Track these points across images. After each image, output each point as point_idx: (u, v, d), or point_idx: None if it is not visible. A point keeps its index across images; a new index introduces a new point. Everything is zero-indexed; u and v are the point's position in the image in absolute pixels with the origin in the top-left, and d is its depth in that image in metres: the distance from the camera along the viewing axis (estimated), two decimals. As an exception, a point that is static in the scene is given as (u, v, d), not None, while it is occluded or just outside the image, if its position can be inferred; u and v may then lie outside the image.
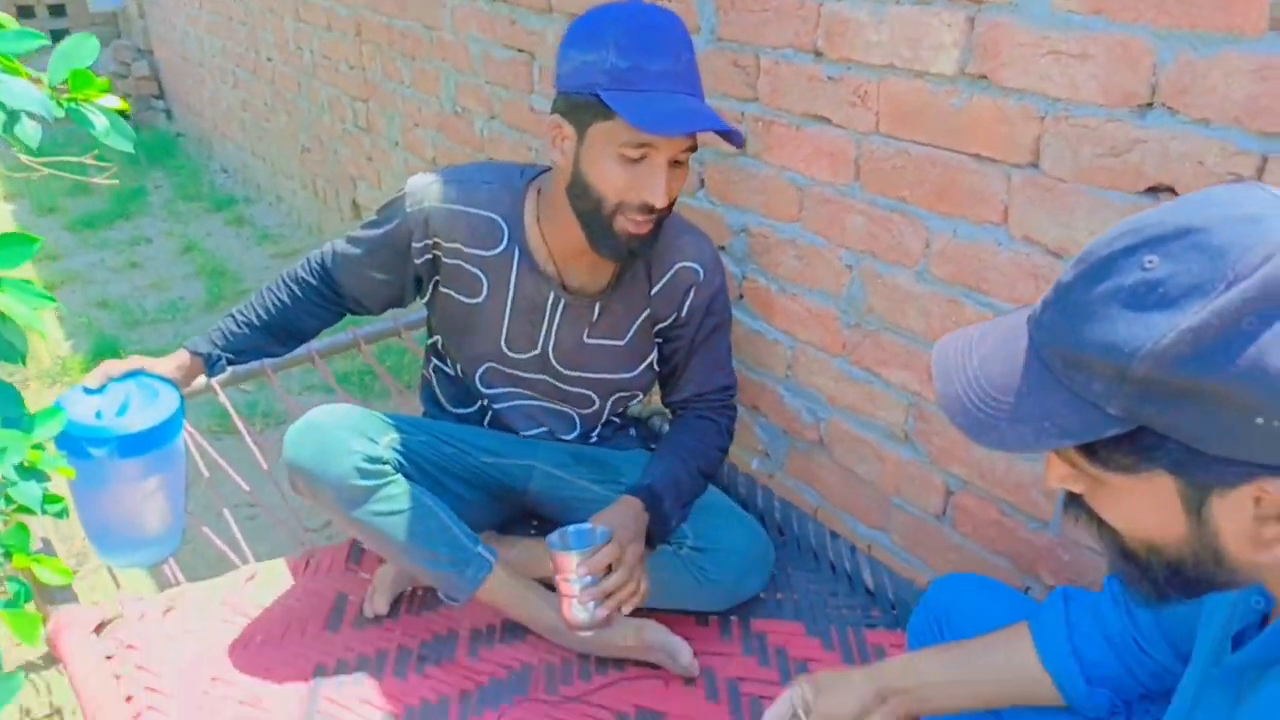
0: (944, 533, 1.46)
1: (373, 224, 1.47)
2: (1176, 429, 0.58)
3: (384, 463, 1.37)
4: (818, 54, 1.42)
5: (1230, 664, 0.72)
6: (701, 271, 1.45)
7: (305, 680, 1.32)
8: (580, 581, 1.26)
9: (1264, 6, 0.92)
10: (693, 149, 1.28)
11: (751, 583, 1.46)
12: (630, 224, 1.29)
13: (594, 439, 1.60)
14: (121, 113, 0.89)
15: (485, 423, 1.58)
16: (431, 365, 1.61)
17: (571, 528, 1.32)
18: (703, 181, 1.74)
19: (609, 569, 1.28)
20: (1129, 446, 0.60)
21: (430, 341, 1.60)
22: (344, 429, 1.36)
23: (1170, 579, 0.66)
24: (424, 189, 1.41)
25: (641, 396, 1.58)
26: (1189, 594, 0.67)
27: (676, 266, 1.44)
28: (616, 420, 1.62)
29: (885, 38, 1.31)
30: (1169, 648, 0.93)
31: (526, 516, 1.64)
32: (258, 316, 1.50)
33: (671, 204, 1.31)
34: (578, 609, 1.27)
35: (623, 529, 1.32)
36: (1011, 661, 0.98)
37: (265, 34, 3.79)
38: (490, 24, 2.22)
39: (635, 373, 1.51)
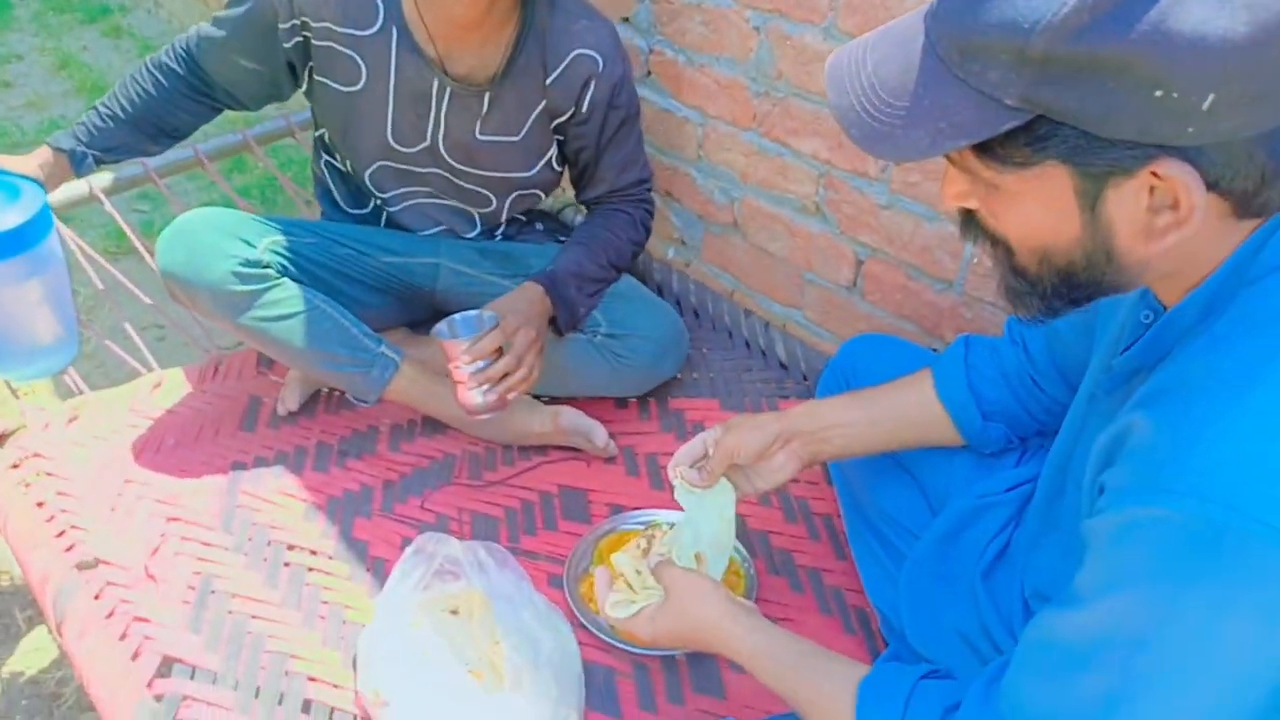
0: (854, 303, 1.48)
1: (235, 2, 1.33)
2: (1073, 113, 0.56)
3: (264, 266, 1.31)
4: None
5: (1117, 367, 0.73)
6: (601, 61, 1.34)
7: (223, 475, 1.32)
8: (469, 368, 1.26)
9: None
10: None
11: (666, 366, 1.46)
12: None
13: (498, 237, 1.55)
14: None
15: (382, 224, 1.51)
16: (322, 161, 1.52)
17: (459, 315, 1.31)
18: (603, -52, 1.62)
19: (499, 354, 1.27)
20: (1025, 139, 0.59)
21: (317, 134, 1.50)
22: (216, 231, 1.29)
23: (1059, 288, 0.66)
24: None
25: (543, 197, 1.52)
26: (1076, 301, 0.67)
27: (573, 54, 1.33)
28: (521, 218, 1.57)
29: None
30: (1062, 382, 0.96)
31: (438, 315, 1.61)
32: (123, 109, 1.38)
33: None
34: (469, 394, 1.27)
35: (512, 314, 1.30)
36: (912, 402, 1.01)
37: None
38: None
39: (533, 171, 1.44)
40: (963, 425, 0.99)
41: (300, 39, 1.31)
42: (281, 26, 1.29)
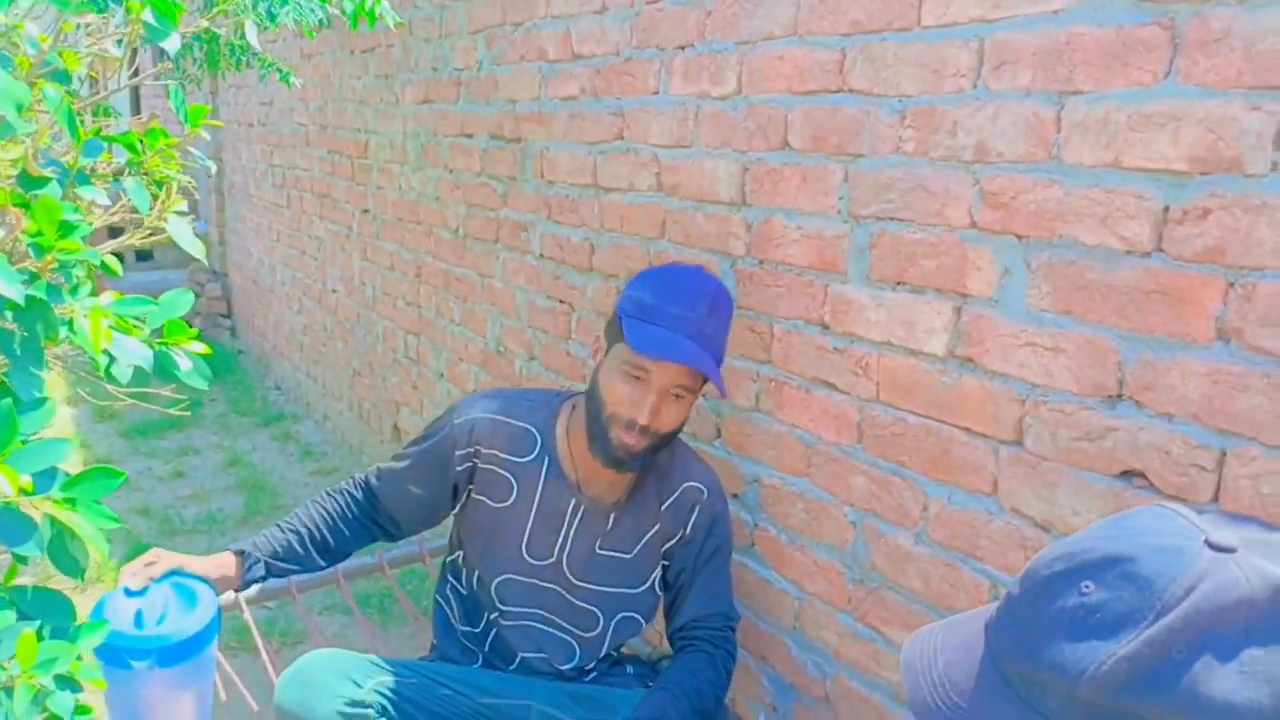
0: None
1: (419, 440, 1.62)
2: None
3: (365, 705, 1.43)
4: (825, 327, 1.57)
5: None
6: (706, 491, 1.59)
7: None
8: None
9: (1210, 318, 1.04)
10: (691, 390, 1.44)
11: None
12: (624, 434, 1.44)
13: (591, 674, 1.62)
14: (203, 355, 1.01)
15: (488, 643, 1.62)
16: (448, 586, 1.67)
17: None
18: (719, 431, 1.85)
19: None
20: None
21: (450, 558, 1.68)
22: (328, 672, 1.44)
23: None
24: (471, 403, 1.60)
25: (644, 626, 1.62)
26: None
27: (684, 486, 1.59)
28: (616, 655, 1.65)
29: (884, 318, 1.45)
30: None
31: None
32: (302, 525, 1.61)
33: (671, 433, 1.47)
34: None
35: None
36: None
37: (334, 269, 4.13)
38: (537, 276, 2.44)
39: (640, 589, 1.59)
40: None
41: (470, 465, 1.56)
42: (459, 453, 1.55)
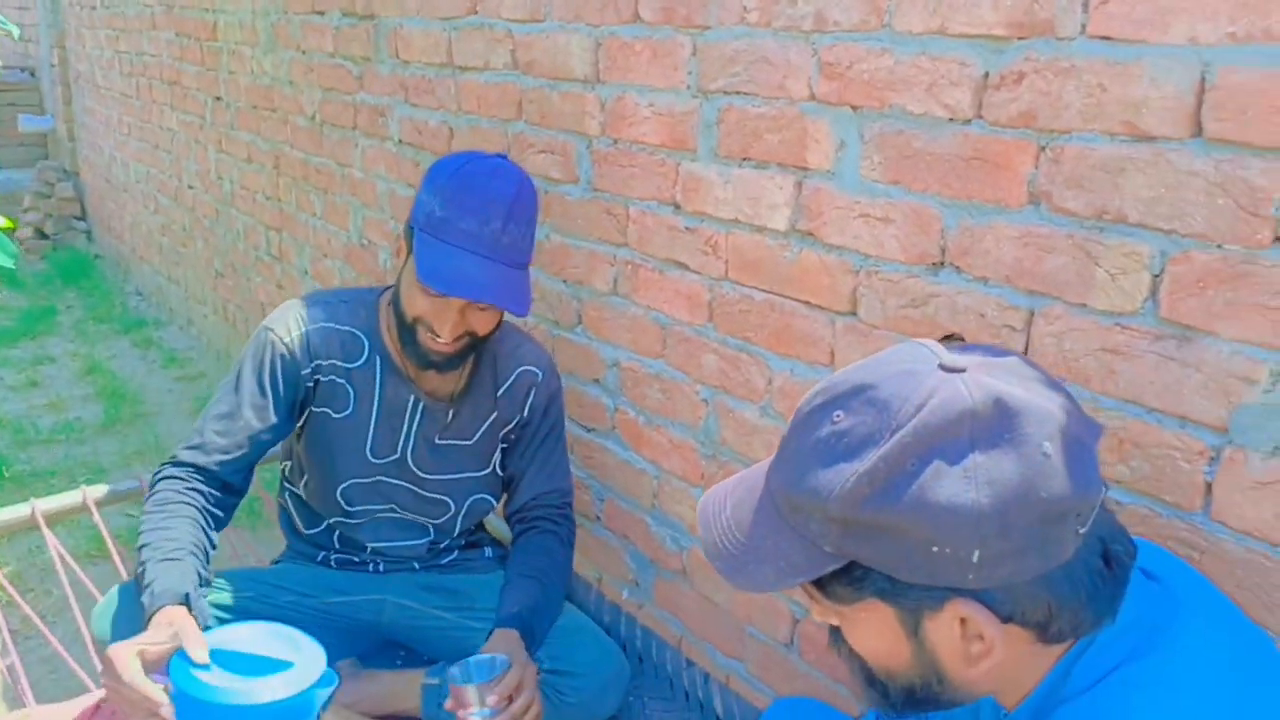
0: (791, 661, 1.51)
1: (243, 377, 1.44)
2: (876, 560, 0.67)
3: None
4: (677, 207, 1.56)
5: None
6: (540, 374, 1.60)
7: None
8: (482, 713, 1.28)
9: (1023, 183, 1.07)
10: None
11: (606, 705, 1.48)
12: (430, 341, 1.41)
13: (446, 558, 1.63)
14: (5, 230, 0.94)
15: (335, 540, 1.60)
16: (286, 493, 1.64)
17: (471, 659, 1.34)
18: (580, 317, 1.84)
19: (510, 698, 1.30)
20: (845, 579, 0.69)
21: (284, 465, 1.63)
22: None
23: (905, 700, 0.74)
24: (287, 318, 1.48)
25: (494, 504, 1.64)
26: (923, 710, 0.75)
27: (518, 370, 1.58)
28: (471, 542, 1.67)
29: (731, 195, 1.45)
30: None
31: (385, 646, 1.64)
32: (190, 546, 1.33)
33: (485, 335, 1.43)
34: None
35: (516, 656, 1.35)
36: None
37: (189, 163, 3.90)
38: (396, 163, 2.35)
39: (485, 472, 1.60)
40: None
41: (314, 381, 1.48)
42: (303, 373, 1.46)
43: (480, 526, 1.75)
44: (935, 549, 0.64)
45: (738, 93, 1.41)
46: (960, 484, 0.63)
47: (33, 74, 6.97)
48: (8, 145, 6.69)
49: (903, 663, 0.71)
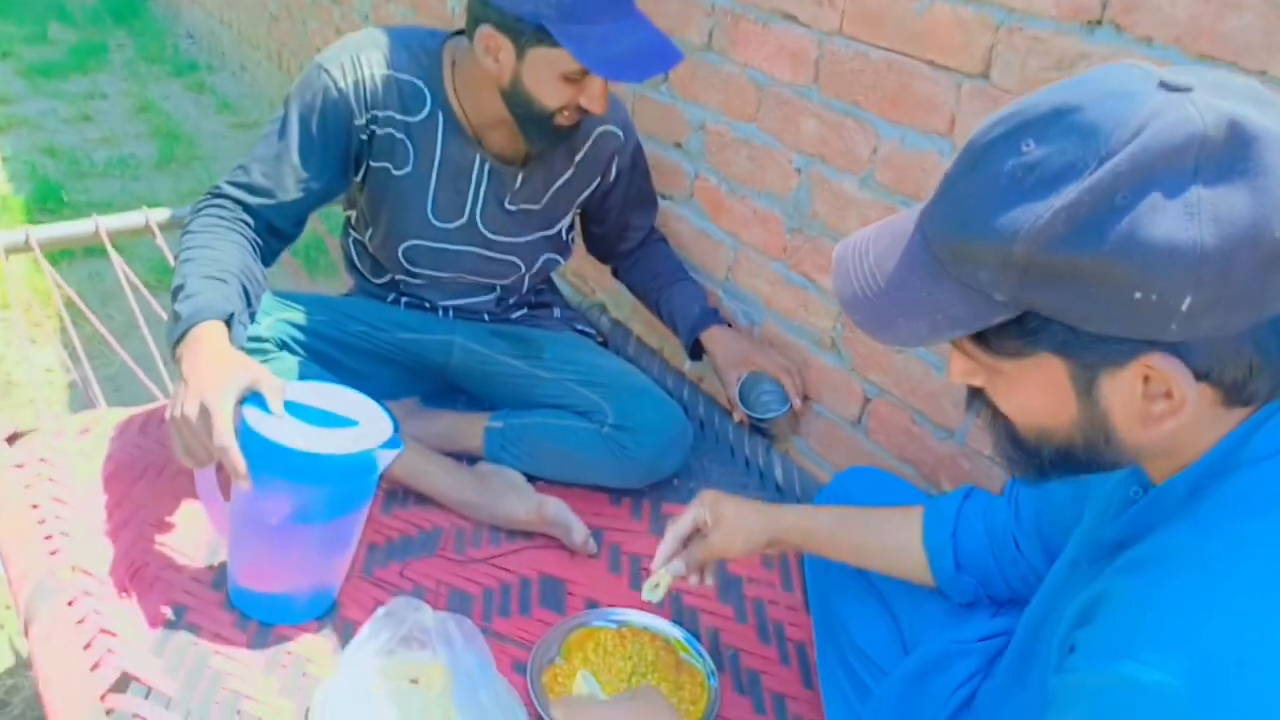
0: (858, 440, 1.50)
1: (291, 119, 1.33)
2: (1060, 310, 0.59)
3: (264, 340, 1.36)
4: (792, -51, 1.41)
5: (1102, 538, 0.74)
6: (622, 134, 1.52)
7: (213, 512, 1.33)
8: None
9: (1219, -72, 0.94)
10: None
11: (668, 462, 1.49)
12: (565, 121, 1.34)
13: (516, 313, 1.61)
14: None
15: (400, 292, 1.57)
16: (350, 239, 1.59)
17: (764, 390, 1.53)
18: (666, 75, 1.73)
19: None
20: (1017, 331, 0.61)
21: (348, 213, 1.57)
22: None
23: (1057, 462, 0.68)
24: (343, 58, 1.34)
25: (561, 262, 1.61)
26: (1074, 474, 0.69)
27: (598, 131, 1.50)
28: (540, 301, 1.65)
29: (859, -64, 1.30)
30: (1043, 550, 0.97)
31: (449, 388, 1.65)
32: (235, 271, 1.25)
33: None
34: None
35: (763, 352, 1.56)
36: (899, 534, 1.03)
37: (244, -108, 3.65)
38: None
39: (554, 231, 1.55)
40: (935, 567, 1.01)
41: (370, 131, 1.38)
42: (356, 123, 1.36)
43: (550, 288, 1.71)
44: (1139, 295, 0.56)
45: None
46: (1180, 220, 0.55)
47: None
48: None
49: (1065, 422, 0.65)
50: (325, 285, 2.52)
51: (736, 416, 1.57)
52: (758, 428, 1.56)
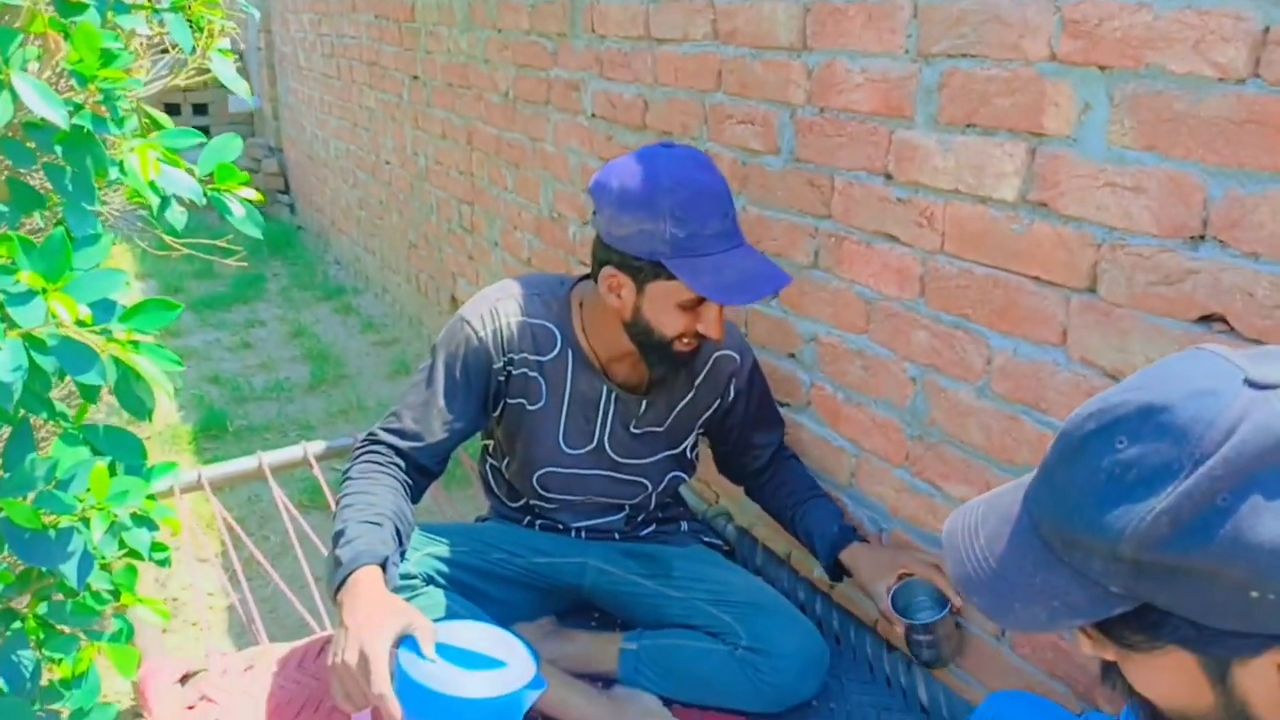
0: (1003, 654, 1.45)
1: (438, 366, 1.47)
2: (1177, 605, 0.59)
3: (412, 577, 1.45)
4: (888, 177, 1.50)
5: None
6: (738, 357, 1.61)
7: (365, 746, 1.37)
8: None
9: (1310, 150, 0.97)
10: None
11: (806, 687, 1.46)
12: (685, 347, 1.43)
13: (644, 530, 1.66)
14: (256, 203, 1.00)
15: (535, 516, 1.65)
16: (488, 464, 1.69)
17: (920, 596, 1.47)
18: (776, 293, 1.81)
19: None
20: (1138, 624, 0.61)
21: (485, 442, 1.69)
22: None
23: None
24: (483, 309, 1.48)
25: (686, 479, 1.66)
26: None
27: (714, 356, 1.59)
28: (668, 517, 1.70)
29: (951, 164, 1.38)
30: None
31: (585, 607, 1.68)
32: (388, 516, 1.35)
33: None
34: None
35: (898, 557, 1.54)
36: None
37: (386, 139, 4.09)
38: (589, 137, 2.38)
39: (679, 450, 1.61)
40: None
41: (507, 373, 1.50)
42: (495, 366, 1.49)
43: (676, 500, 1.77)
44: (1255, 594, 0.56)
45: (963, 55, 1.34)
46: None
47: (240, 57, 7.50)
48: (219, 124, 7.24)
49: (1203, 707, 0.63)
50: (459, 497, 2.64)
51: (897, 628, 1.47)
52: (920, 640, 1.46)
